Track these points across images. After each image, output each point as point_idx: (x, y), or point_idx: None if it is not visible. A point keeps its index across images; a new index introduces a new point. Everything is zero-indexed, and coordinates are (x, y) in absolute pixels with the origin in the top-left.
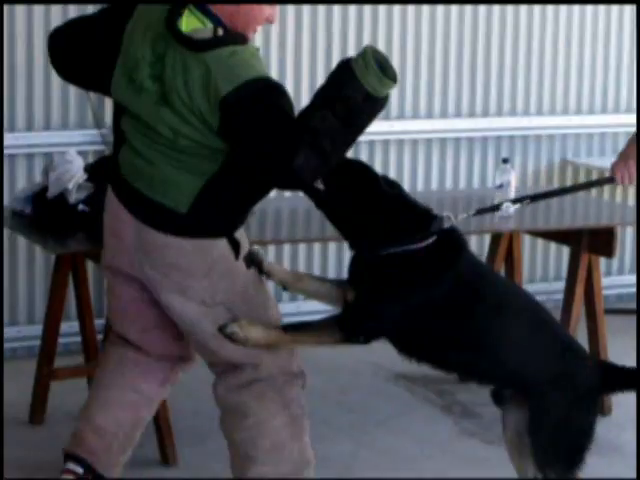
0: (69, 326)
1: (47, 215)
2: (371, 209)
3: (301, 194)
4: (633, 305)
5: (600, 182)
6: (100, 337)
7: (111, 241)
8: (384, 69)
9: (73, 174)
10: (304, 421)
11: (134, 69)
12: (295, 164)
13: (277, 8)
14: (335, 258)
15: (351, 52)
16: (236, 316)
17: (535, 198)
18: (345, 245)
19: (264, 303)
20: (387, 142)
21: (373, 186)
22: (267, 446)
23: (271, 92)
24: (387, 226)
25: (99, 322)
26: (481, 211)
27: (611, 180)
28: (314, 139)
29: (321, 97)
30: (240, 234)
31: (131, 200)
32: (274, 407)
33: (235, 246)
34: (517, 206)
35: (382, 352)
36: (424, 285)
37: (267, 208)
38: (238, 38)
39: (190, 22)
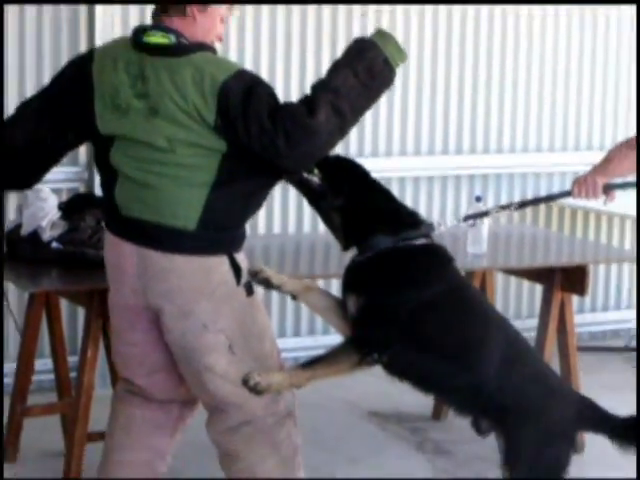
0: (43, 363)
1: (21, 253)
2: (369, 202)
3: (306, 228)
4: (605, 343)
5: (559, 195)
6: (74, 375)
7: (114, 276)
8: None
9: (47, 212)
10: (297, 459)
11: (115, 96)
12: (317, 120)
13: (223, 27)
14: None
15: None
16: (234, 348)
17: (522, 205)
18: (333, 282)
19: (259, 335)
20: None
21: (367, 180)
22: None
23: (261, 79)
24: (385, 220)
25: (72, 359)
26: (469, 217)
27: (568, 194)
28: (335, 98)
29: (342, 61)
30: (242, 260)
31: (134, 232)
32: (263, 451)
33: (237, 271)
34: (504, 213)
35: (356, 390)
36: (423, 282)
37: (255, 244)
38: (209, 47)
39: (155, 39)
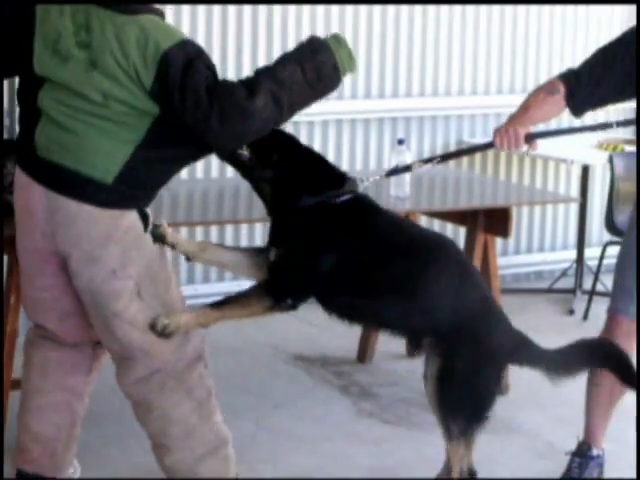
0: None
1: None
2: (295, 169)
3: (230, 173)
4: (529, 285)
5: (481, 147)
6: None
7: (23, 220)
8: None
9: None
10: (211, 402)
11: (57, 41)
12: (255, 105)
13: None
14: (261, 238)
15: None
16: (142, 294)
17: (445, 158)
18: (256, 227)
19: (166, 281)
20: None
21: (294, 149)
22: (178, 434)
23: (203, 51)
24: (309, 182)
25: None
26: (392, 172)
27: (491, 145)
28: (278, 89)
29: (293, 56)
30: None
31: (48, 175)
32: (177, 396)
33: (144, 217)
34: (427, 166)
35: (280, 334)
36: (346, 235)
37: (179, 190)
38: (157, 10)
39: None
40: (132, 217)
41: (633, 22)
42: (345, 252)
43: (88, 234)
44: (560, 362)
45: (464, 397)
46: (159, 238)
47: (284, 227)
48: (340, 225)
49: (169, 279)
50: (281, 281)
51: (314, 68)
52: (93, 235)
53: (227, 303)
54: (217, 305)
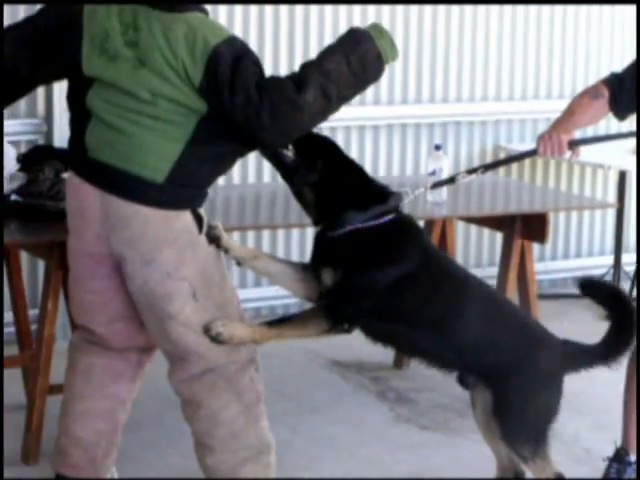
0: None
1: None
2: (341, 179)
3: (266, 178)
4: (566, 290)
5: (524, 155)
6: (34, 327)
7: (75, 222)
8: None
9: (5, 164)
10: (259, 406)
11: (105, 40)
12: (305, 98)
13: None
14: (298, 244)
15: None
16: (197, 295)
17: (488, 167)
18: (293, 232)
19: (220, 283)
20: (318, 129)
21: (340, 157)
22: (223, 435)
23: (250, 48)
24: (356, 196)
25: (33, 312)
26: (438, 184)
27: (534, 152)
28: (326, 81)
29: (336, 47)
30: (202, 211)
31: (100, 176)
32: (226, 397)
33: (199, 219)
34: (472, 177)
35: (318, 339)
36: (396, 260)
37: (216, 195)
38: (201, 8)
39: None
40: (186, 218)
41: None
42: (392, 279)
43: (142, 236)
44: (608, 349)
45: (526, 427)
46: (214, 240)
47: (334, 244)
48: (389, 251)
49: (224, 281)
50: (341, 306)
51: (358, 59)
52: (147, 237)
53: (284, 323)
54: (274, 324)
